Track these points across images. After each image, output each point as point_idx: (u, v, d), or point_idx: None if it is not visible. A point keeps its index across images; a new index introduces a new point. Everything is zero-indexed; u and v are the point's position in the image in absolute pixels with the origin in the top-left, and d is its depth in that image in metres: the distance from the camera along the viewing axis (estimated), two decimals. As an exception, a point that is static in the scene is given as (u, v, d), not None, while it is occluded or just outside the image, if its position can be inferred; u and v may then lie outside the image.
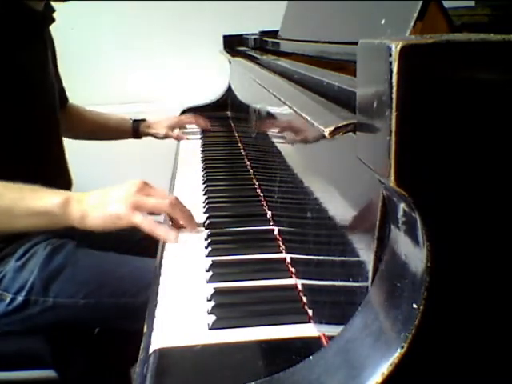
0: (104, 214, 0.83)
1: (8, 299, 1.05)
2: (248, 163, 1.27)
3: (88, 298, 1.04)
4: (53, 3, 1.23)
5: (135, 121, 1.60)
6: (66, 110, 1.44)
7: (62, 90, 1.41)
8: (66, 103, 1.45)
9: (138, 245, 1.26)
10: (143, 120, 1.62)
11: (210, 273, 0.74)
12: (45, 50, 1.23)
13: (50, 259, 1.06)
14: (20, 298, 1.04)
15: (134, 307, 0.96)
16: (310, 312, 0.63)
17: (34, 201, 0.87)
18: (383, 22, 0.61)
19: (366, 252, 0.45)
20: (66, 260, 1.07)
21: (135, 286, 1.03)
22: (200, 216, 0.96)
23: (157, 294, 0.70)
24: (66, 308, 1.05)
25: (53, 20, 1.25)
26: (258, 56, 1.24)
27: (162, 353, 0.57)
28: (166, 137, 1.62)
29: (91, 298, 1.04)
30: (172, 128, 1.63)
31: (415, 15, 0.53)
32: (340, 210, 0.54)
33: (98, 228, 0.85)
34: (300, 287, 0.69)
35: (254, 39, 1.45)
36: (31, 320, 1.06)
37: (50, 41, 1.30)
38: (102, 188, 0.88)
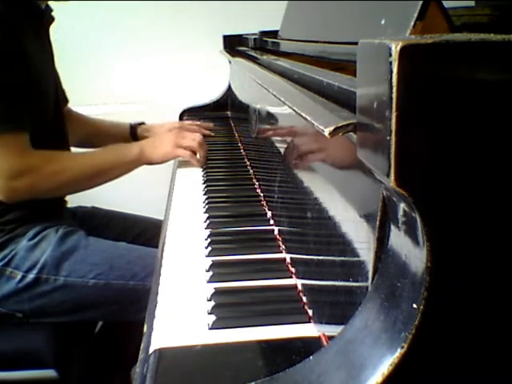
0: (160, 152, 1.23)
1: (18, 277, 1.08)
2: (248, 163, 1.27)
3: (98, 278, 1.08)
4: (54, 3, 1.24)
5: (132, 125, 1.54)
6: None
7: (62, 91, 1.41)
8: (65, 104, 1.45)
9: (139, 237, 1.28)
10: (142, 123, 1.56)
11: (210, 273, 0.74)
12: (49, 47, 1.26)
13: (63, 241, 1.11)
14: (31, 276, 1.08)
15: (142, 291, 0.98)
16: (310, 312, 0.63)
17: (124, 155, 1.21)
18: (383, 22, 0.61)
19: (366, 252, 0.45)
20: (78, 243, 1.12)
21: (144, 271, 1.07)
22: (200, 216, 0.96)
23: (157, 294, 0.70)
24: (75, 288, 1.08)
25: (53, 19, 1.27)
26: (258, 56, 1.24)
27: (162, 353, 0.57)
28: None
29: (101, 279, 1.08)
30: None
31: (415, 15, 0.53)
32: (340, 210, 0.54)
33: (158, 160, 1.24)
34: (300, 287, 0.69)
35: (254, 39, 1.44)
36: (40, 299, 1.08)
37: (50, 41, 1.31)
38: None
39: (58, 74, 1.36)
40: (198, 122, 1.64)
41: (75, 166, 1.16)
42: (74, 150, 1.47)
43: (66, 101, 1.45)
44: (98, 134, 1.54)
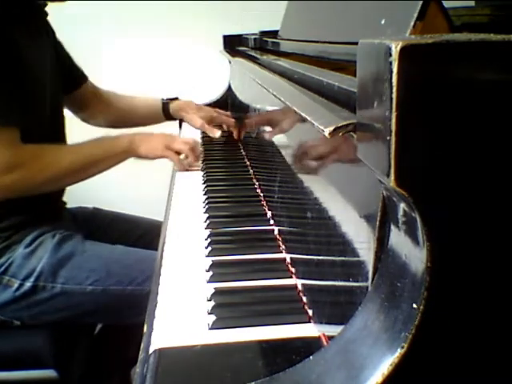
0: (149, 148, 1.20)
1: (16, 285, 1.07)
2: (248, 163, 1.27)
3: (95, 284, 1.07)
4: (52, 3, 1.24)
5: (164, 102, 1.50)
6: (84, 91, 1.42)
7: (74, 70, 1.40)
8: (82, 83, 1.43)
9: (140, 240, 1.27)
10: (175, 98, 1.52)
11: (210, 273, 0.74)
12: (48, 38, 1.25)
13: (59, 247, 1.09)
14: (28, 284, 1.07)
15: (141, 296, 0.98)
16: (310, 312, 0.63)
17: (112, 147, 1.19)
18: (383, 22, 0.61)
19: (366, 252, 0.45)
20: (75, 249, 1.10)
21: (142, 275, 1.05)
22: (200, 216, 0.96)
23: (157, 294, 0.70)
24: (73, 295, 1.07)
25: (46, 14, 1.27)
26: (258, 56, 1.24)
27: (162, 353, 0.57)
28: (199, 128, 1.45)
29: (98, 285, 1.07)
30: (209, 122, 1.45)
31: (415, 15, 0.53)
32: (340, 210, 0.54)
33: (145, 155, 1.20)
34: (300, 287, 0.69)
35: (254, 39, 1.44)
36: (38, 307, 1.07)
37: (51, 30, 1.31)
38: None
39: (66, 56, 1.35)
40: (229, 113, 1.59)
41: (64, 159, 1.13)
42: (106, 131, 1.41)
43: (82, 79, 1.42)
44: (129, 114, 1.51)
